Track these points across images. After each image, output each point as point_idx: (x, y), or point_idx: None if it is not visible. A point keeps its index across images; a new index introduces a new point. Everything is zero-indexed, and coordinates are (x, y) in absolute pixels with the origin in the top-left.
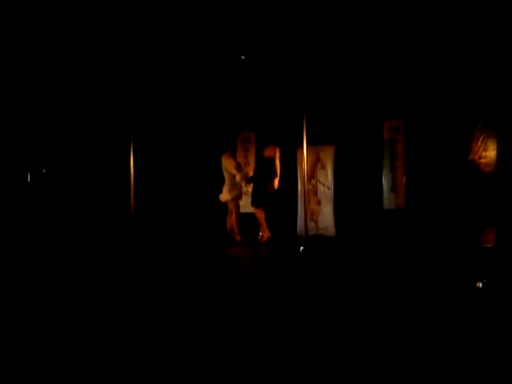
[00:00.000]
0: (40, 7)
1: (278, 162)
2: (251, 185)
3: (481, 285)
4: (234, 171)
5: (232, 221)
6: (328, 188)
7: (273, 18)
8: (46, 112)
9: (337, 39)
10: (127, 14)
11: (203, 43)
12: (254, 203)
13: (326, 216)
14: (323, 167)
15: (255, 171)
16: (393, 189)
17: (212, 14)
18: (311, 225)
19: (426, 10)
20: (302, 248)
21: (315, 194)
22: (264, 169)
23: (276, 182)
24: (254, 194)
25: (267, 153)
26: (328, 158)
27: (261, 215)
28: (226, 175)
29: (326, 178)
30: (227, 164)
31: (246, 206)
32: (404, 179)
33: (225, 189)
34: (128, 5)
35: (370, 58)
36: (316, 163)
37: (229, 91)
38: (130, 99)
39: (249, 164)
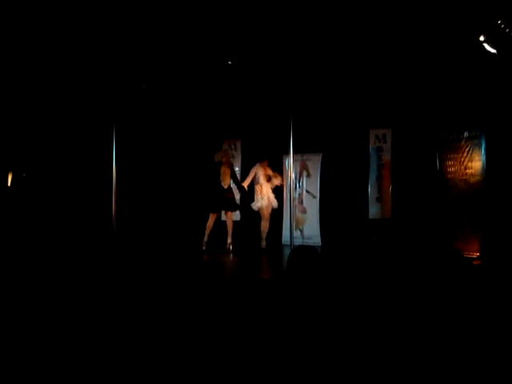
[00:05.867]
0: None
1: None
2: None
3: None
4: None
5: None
6: (314, 196)
7: (259, 26)
8: (27, 115)
9: (324, 48)
10: (115, 16)
11: (191, 49)
12: (210, 208)
13: (311, 225)
14: (309, 176)
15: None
16: (378, 198)
17: (199, 22)
18: (296, 233)
19: (412, 19)
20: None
21: (301, 202)
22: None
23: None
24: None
25: (217, 157)
26: (314, 166)
27: (231, 222)
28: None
29: (312, 186)
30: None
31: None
32: (390, 189)
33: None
34: (116, 7)
35: (357, 67)
36: (302, 172)
37: (216, 99)
38: (115, 104)
39: (235, 171)
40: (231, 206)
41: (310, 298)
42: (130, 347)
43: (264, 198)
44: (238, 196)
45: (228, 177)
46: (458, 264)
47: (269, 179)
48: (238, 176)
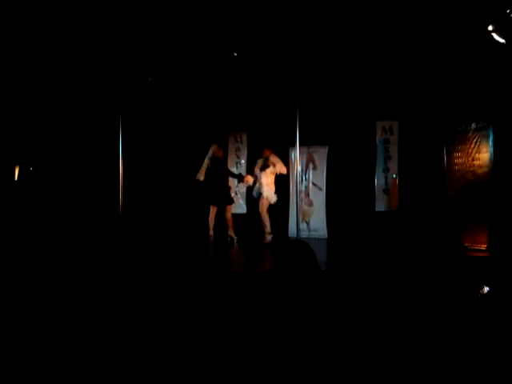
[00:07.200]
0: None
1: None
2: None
3: (485, 290)
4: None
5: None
6: (320, 189)
7: (266, 19)
8: (34, 109)
9: (330, 40)
10: (120, 10)
11: (197, 43)
12: (210, 202)
13: (317, 217)
14: (316, 168)
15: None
16: (385, 190)
17: (206, 14)
18: (303, 226)
19: (418, 11)
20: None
21: (307, 195)
22: (215, 168)
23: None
24: (209, 193)
25: (217, 153)
26: (321, 158)
27: (229, 216)
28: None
29: (319, 179)
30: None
31: (237, 206)
32: (397, 181)
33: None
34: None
35: (363, 59)
36: (308, 164)
37: (221, 91)
38: (121, 97)
39: (241, 164)
40: (224, 201)
41: (303, 290)
42: (135, 338)
43: (255, 187)
44: (240, 188)
45: (203, 170)
46: (454, 252)
47: (263, 168)
48: (244, 169)
